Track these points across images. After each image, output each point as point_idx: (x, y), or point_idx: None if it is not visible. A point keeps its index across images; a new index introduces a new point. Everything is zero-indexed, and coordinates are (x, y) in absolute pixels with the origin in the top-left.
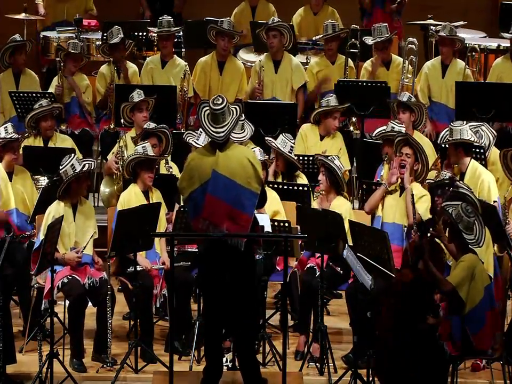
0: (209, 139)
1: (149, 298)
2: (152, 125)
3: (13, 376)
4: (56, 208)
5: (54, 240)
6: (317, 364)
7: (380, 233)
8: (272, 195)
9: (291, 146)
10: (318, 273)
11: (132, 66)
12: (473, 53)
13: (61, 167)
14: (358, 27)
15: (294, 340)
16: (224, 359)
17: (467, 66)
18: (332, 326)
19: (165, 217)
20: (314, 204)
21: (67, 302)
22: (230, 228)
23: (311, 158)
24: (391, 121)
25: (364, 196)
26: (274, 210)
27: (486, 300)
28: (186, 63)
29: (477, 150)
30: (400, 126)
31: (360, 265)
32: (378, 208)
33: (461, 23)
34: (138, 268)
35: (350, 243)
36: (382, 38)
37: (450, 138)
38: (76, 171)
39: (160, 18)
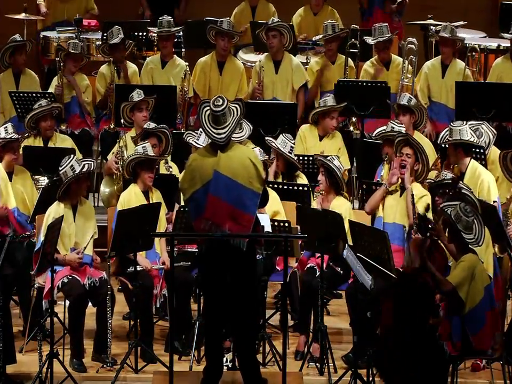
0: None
1: (149, 298)
2: (152, 125)
3: (13, 376)
4: (56, 210)
5: (54, 240)
6: (317, 364)
7: (380, 233)
8: (272, 195)
9: (291, 147)
10: (318, 273)
11: (131, 66)
12: (473, 53)
13: (60, 168)
14: (358, 27)
15: (294, 340)
16: (224, 359)
17: (467, 66)
18: (332, 326)
19: (165, 217)
20: (314, 204)
21: (67, 302)
22: (232, 228)
23: (310, 158)
24: (391, 121)
25: (364, 196)
26: (274, 210)
27: (486, 300)
28: (186, 63)
29: (477, 150)
30: (400, 126)
31: (360, 265)
32: (379, 208)
33: (461, 23)
34: (138, 268)
35: (350, 243)
36: (384, 38)
37: (450, 139)
38: (76, 172)
39: (160, 18)
